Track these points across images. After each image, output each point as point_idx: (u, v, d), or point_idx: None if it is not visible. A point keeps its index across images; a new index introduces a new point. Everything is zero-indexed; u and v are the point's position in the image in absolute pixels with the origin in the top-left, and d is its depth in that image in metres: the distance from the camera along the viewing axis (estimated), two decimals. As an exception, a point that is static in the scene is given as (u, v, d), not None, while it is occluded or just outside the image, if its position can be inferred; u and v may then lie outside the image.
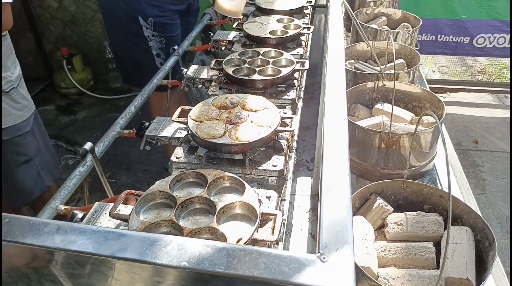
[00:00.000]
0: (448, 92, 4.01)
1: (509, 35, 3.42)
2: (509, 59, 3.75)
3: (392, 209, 0.96)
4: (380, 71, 1.34)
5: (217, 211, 0.83)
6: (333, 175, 0.62)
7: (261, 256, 0.49)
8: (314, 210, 1.91)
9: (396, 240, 0.89)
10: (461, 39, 3.59)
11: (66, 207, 1.08)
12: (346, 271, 0.48)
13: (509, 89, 3.83)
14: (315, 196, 1.94)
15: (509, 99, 3.84)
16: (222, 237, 0.78)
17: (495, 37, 3.50)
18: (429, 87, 1.32)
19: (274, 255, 0.50)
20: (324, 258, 0.49)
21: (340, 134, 0.74)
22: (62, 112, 3.52)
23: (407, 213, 0.93)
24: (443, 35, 3.59)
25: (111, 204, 0.96)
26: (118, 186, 2.43)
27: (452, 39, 3.60)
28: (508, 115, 3.61)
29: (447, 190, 1.25)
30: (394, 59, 1.17)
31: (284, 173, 1.04)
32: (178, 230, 0.81)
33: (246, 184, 0.90)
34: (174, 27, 2.00)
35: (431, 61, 4.22)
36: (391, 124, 1.11)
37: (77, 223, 0.83)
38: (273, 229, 0.85)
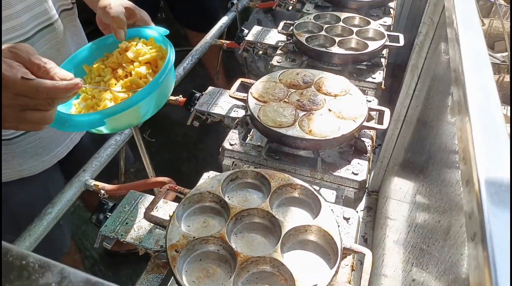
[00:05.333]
0: None
1: None
2: None
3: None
4: (502, 61, 1.02)
5: (282, 234, 0.62)
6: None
7: None
8: (370, 209, 1.67)
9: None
10: None
11: (96, 183, 0.91)
12: None
13: None
14: (372, 193, 1.69)
15: None
16: (287, 276, 0.58)
17: None
18: None
19: None
20: None
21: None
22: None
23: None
24: None
25: (146, 197, 0.78)
26: (157, 147, 2.29)
27: None
28: None
29: None
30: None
31: (367, 185, 0.80)
32: (228, 253, 0.61)
33: (321, 199, 0.67)
34: None
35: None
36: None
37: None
38: (352, 268, 0.63)
